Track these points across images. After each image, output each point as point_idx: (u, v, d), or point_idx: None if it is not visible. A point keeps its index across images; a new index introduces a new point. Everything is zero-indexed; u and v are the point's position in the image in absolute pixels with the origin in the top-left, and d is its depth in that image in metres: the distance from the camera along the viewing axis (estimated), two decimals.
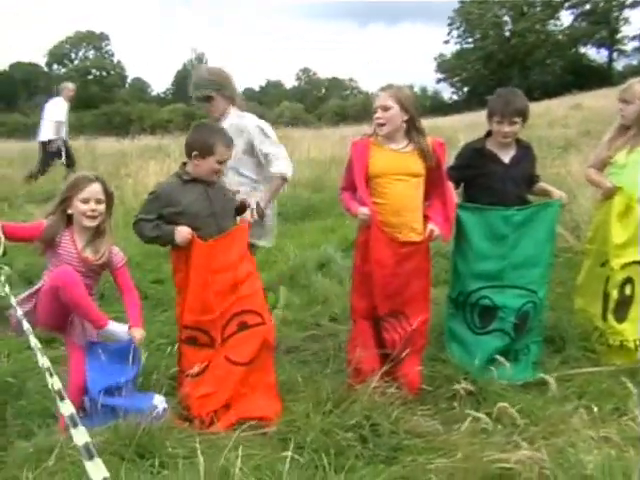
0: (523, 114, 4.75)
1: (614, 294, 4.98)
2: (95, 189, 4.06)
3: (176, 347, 4.49)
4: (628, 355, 4.89)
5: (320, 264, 7.75)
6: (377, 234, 4.39)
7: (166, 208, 4.22)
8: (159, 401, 4.03)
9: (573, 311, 5.51)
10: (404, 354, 4.39)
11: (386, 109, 4.41)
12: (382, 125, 4.45)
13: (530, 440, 3.53)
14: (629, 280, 4.94)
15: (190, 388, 4.18)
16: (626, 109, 5.18)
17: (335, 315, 6.22)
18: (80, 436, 1.99)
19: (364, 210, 4.37)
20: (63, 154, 14.25)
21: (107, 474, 1.77)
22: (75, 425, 2.07)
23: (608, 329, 5.02)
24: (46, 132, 14.26)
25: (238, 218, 4.51)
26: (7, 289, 3.64)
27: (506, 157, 4.86)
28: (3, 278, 3.71)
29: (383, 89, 4.46)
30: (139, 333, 4.11)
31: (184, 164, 4.40)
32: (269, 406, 4.23)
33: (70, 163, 14.26)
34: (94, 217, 4.06)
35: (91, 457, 1.89)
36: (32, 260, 7.04)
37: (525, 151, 4.96)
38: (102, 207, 4.09)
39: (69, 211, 4.08)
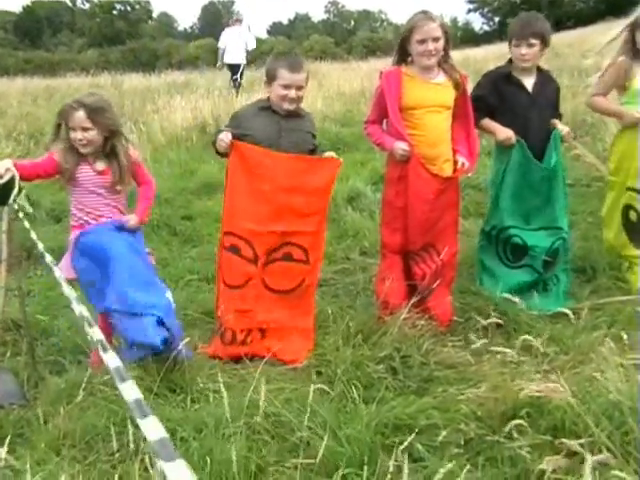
0: (541, 36, 4.65)
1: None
2: (78, 117, 3.88)
3: (216, 257, 4.50)
4: None
5: (350, 198, 7.74)
6: (418, 170, 4.31)
7: (237, 129, 4.23)
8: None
9: (603, 241, 5.46)
10: (434, 286, 4.39)
11: (437, 40, 4.28)
12: (433, 56, 4.33)
13: (559, 369, 3.55)
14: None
15: (229, 300, 4.20)
16: None
17: (365, 249, 6.24)
18: (111, 360, 2.01)
19: (403, 146, 4.29)
20: (241, 74, 16.38)
21: (140, 395, 1.78)
22: (105, 350, 2.10)
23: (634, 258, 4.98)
24: (238, 55, 16.17)
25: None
26: (27, 224, 3.62)
27: (528, 84, 4.78)
28: (22, 214, 3.69)
29: (432, 19, 4.28)
30: (133, 219, 4.03)
31: None
32: (303, 348, 4.20)
33: (241, 82, 16.37)
34: (84, 145, 3.94)
35: (123, 380, 1.91)
36: (59, 198, 7.10)
37: (546, 77, 4.90)
38: (91, 134, 3.92)
39: None
